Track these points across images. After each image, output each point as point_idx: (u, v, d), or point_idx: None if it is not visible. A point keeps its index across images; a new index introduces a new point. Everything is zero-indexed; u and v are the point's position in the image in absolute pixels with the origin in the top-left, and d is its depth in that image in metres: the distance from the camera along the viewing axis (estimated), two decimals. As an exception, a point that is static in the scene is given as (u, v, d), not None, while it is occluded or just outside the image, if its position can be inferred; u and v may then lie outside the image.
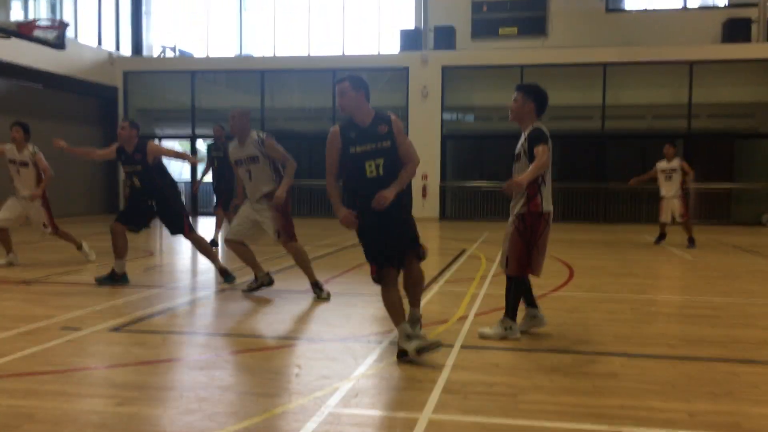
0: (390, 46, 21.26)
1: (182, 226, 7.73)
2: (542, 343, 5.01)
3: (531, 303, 5.29)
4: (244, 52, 22.25)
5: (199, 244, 7.79)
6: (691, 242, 11.97)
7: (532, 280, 5.28)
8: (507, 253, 5.09)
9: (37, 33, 14.67)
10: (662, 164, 12.26)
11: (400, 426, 3.38)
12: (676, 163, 12.13)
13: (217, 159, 11.31)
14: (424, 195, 19.85)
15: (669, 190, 12.14)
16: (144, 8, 22.62)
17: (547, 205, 5.11)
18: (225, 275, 7.62)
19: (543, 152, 4.93)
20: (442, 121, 20.01)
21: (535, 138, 5.05)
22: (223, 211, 11.23)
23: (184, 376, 4.17)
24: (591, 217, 19.21)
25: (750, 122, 20.51)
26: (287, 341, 5.06)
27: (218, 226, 11.80)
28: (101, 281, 7.42)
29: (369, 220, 4.74)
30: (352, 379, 4.08)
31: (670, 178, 12.14)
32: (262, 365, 4.45)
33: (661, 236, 12.53)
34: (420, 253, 5.00)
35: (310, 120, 22.08)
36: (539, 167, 4.88)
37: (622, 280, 8.32)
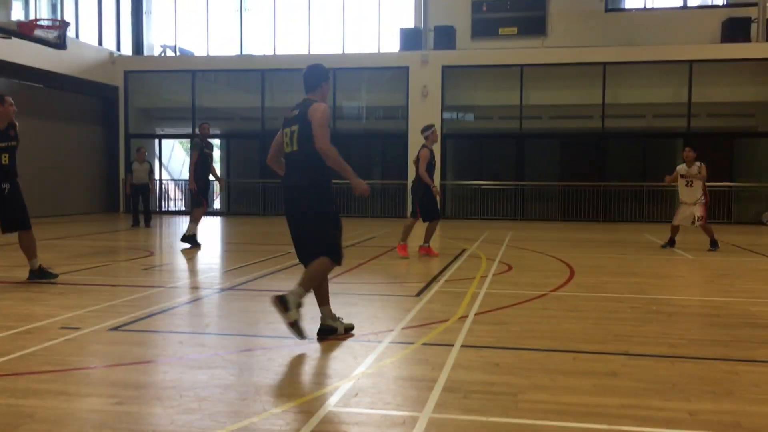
0: (390, 45, 21.28)
1: (26, 221, 7.50)
2: (542, 343, 5.01)
3: None
4: (244, 52, 22.25)
5: (31, 242, 7.58)
6: (714, 245, 11.25)
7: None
8: None
9: (37, 33, 14.68)
10: (682, 168, 11.52)
11: (400, 425, 3.38)
12: (695, 169, 11.35)
13: (209, 156, 11.41)
14: (424, 194, 19.86)
15: (690, 198, 11.40)
16: (145, 8, 22.64)
17: None
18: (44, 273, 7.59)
19: None
20: (442, 120, 20.03)
21: None
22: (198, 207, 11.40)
23: (184, 375, 4.16)
24: (591, 216, 19.21)
25: (750, 121, 20.52)
26: (287, 340, 5.05)
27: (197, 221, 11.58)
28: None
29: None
30: (353, 378, 4.08)
31: (691, 184, 11.38)
32: (262, 364, 4.44)
33: (671, 242, 11.70)
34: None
35: (311, 119, 22.07)
36: None
37: (622, 279, 8.32)
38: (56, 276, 7.65)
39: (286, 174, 5.12)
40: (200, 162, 11.21)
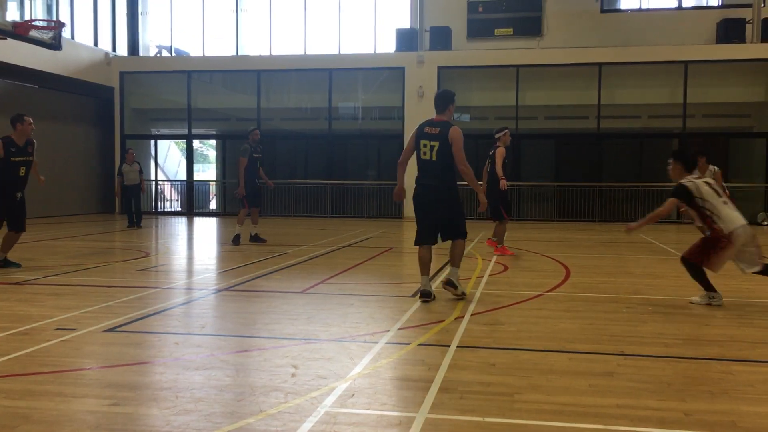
0: (386, 45, 21.28)
1: (24, 224, 8.66)
2: (538, 343, 5.02)
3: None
4: (240, 52, 22.22)
5: (15, 241, 8.58)
6: None
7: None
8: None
9: (33, 33, 14.64)
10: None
11: (396, 425, 3.38)
12: (708, 176, 10.34)
13: (258, 160, 12.04)
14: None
15: None
16: (140, 8, 22.59)
17: (728, 227, 6.48)
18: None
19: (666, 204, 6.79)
20: (438, 121, 20.00)
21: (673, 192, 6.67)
22: (251, 207, 12.08)
23: (180, 376, 4.16)
24: (587, 216, 19.24)
25: (745, 122, 20.58)
26: (283, 341, 5.05)
27: (255, 222, 12.41)
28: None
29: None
30: (349, 379, 4.08)
31: None
32: (258, 365, 4.44)
33: None
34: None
35: (307, 119, 22.06)
36: (654, 215, 6.84)
37: (618, 279, 8.34)
38: (19, 266, 8.58)
39: (424, 176, 6.67)
40: (249, 166, 11.84)
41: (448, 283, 6.65)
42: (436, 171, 6.58)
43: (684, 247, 11.77)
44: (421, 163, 6.72)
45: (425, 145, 6.60)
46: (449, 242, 6.75)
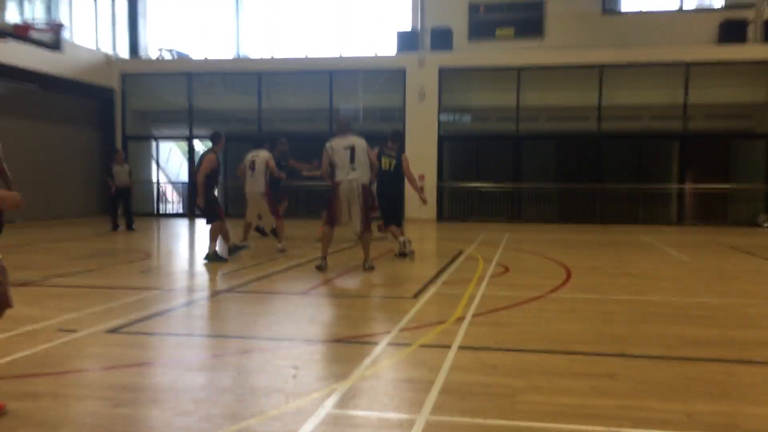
0: (387, 47, 21.28)
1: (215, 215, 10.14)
2: (539, 344, 5.02)
3: None
4: (241, 54, 22.24)
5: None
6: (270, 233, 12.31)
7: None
8: None
9: (33, 34, 14.67)
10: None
11: (397, 427, 3.38)
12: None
13: (284, 170, 12.44)
14: (421, 196, 19.87)
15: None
16: (141, 10, 22.60)
17: None
18: None
19: None
20: (439, 122, 20.04)
21: None
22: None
23: (181, 377, 4.16)
24: (588, 217, 19.23)
25: (746, 123, 20.57)
26: (284, 342, 5.05)
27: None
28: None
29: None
30: (350, 380, 4.08)
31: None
32: (259, 366, 4.44)
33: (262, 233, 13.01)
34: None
35: (307, 121, 22.07)
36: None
37: (619, 280, 8.33)
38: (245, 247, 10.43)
39: (384, 181, 9.93)
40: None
41: (401, 255, 9.92)
42: (393, 179, 9.97)
43: (686, 249, 11.83)
44: (383, 172, 9.90)
45: (386, 160, 9.85)
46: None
